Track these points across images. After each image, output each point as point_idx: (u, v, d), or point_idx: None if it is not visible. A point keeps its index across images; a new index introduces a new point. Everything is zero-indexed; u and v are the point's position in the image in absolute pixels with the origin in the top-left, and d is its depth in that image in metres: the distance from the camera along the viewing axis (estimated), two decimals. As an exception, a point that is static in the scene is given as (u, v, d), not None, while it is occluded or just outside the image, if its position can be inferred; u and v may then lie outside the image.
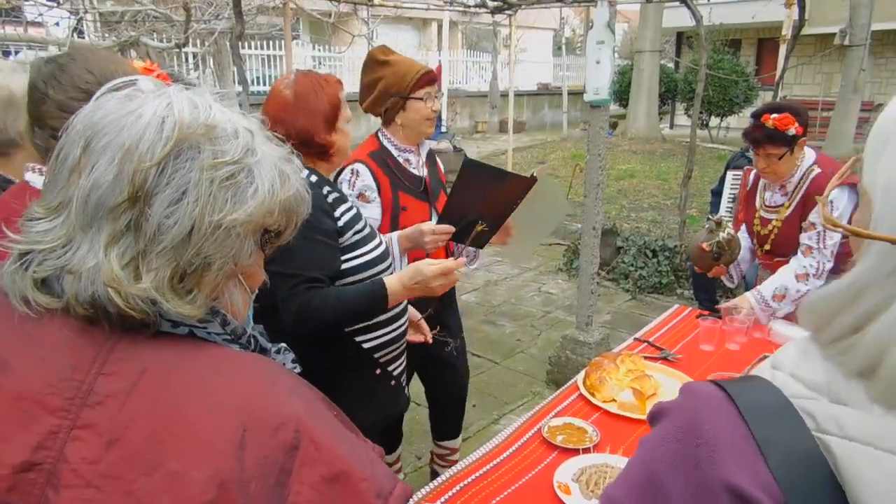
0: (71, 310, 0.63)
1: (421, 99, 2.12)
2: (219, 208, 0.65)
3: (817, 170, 2.34)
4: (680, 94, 13.37)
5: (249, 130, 0.71)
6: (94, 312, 0.63)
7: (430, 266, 1.63)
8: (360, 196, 2.09)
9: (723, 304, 2.42)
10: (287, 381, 0.70)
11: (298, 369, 0.79)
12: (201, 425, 0.61)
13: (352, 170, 2.09)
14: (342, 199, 1.70)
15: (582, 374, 1.99)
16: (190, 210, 0.63)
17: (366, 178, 2.09)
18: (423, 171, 2.23)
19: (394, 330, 1.79)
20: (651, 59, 12.20)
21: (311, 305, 1.56)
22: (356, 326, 1.70)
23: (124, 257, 0.63)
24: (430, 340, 2.04)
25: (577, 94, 15.63)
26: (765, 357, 0.63)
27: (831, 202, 2.23)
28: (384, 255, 1.76)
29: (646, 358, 2.10)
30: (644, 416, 1.77)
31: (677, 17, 12.36)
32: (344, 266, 1.66)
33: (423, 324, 2.04)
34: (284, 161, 0.73)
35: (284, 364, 0.78)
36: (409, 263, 1.83)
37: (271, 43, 12.50)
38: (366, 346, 1.74)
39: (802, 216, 2.37)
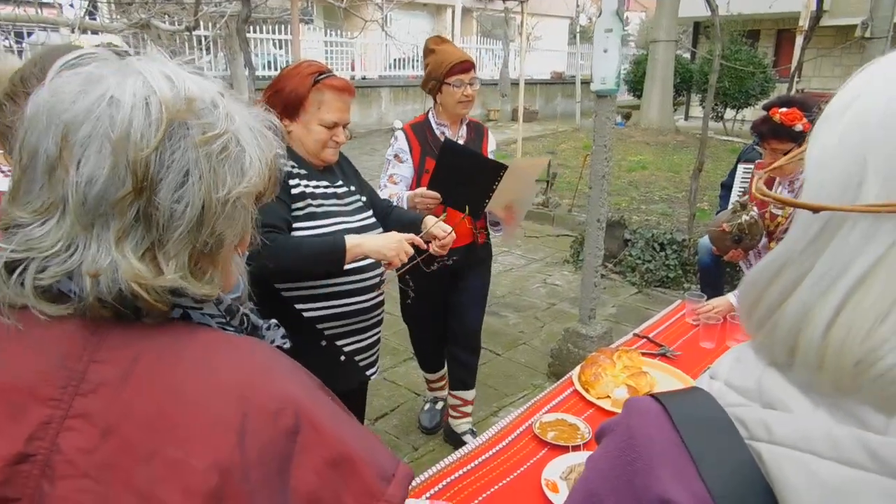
0: (88, 312, 0.61)
1: (453, 85, 2.44)
2: (222, 183, 0.64)
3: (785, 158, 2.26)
4: (695, 85, 13.17)
5: (220, 94, 0.69)
6: (119, 310, 0.62)
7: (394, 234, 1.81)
8: (396, 157, 2.57)
9: (700, 304, 2.31)
10: (284, 365, 0.69)
11: (288, 345, 0.78)
12: (200, 412, 0.60)
13: (395, 136, 2.61)
14: (308, 176, 1.79)
15: (577, 369, 1.96)
16: (197, 190, 0.62)
17: (401, 143, 2.56)
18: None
19: (347, 305, 1.81)
20: (666, 49, 12.01)
21: (269, 248, 1.55)
22: (296, 293, 1.77)
23: (138, 249, 0.61)
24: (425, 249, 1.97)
25: (590, 83, 15.51)
26: (709, 367, 0.62)
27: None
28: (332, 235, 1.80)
29: (644, 354, 2.07)
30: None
31: (695, 7, 12.14)
32: (297, 234, 1.74)
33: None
34: (254, 118, 0.72)
35: (274, 340, 0.77)
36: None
37: (284, 27, 12.46)
38: (307, 314, 1.78)
39: None
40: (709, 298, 4.02)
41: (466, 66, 2.45)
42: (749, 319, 0.54)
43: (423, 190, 2.35)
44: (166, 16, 7.88)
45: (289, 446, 0.61)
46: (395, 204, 2.22)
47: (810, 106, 2.22)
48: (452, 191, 2.32)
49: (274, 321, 0.80)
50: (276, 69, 12.09)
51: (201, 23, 7.68)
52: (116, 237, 0.61)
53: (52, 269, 0.61)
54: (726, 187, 4.19)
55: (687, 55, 14.62)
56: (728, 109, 12.33)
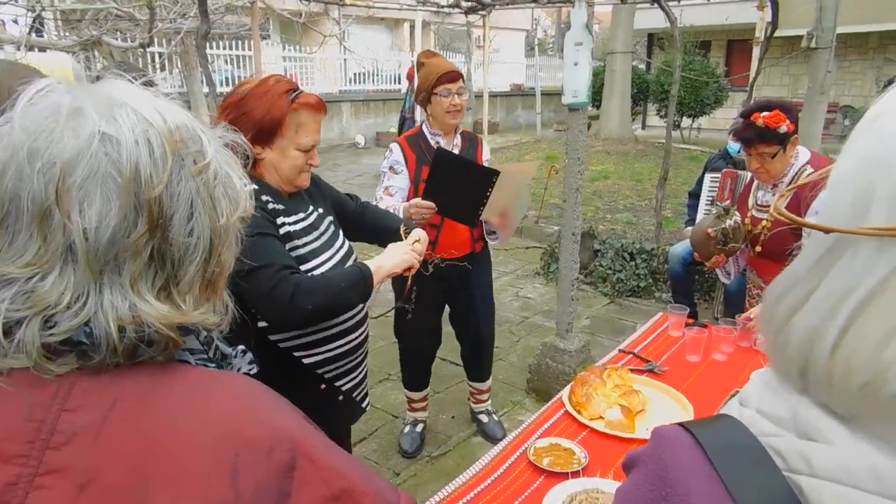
0: (105, 361, 0.57)
1: (440, 94, 2.51)
2: (222, 211, 0.64)
3: (810, 169, 2.28)
4: (652, 95, 13.46)
5: (193, 120, 0.66)
6: (136, 355, 0.59)
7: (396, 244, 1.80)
8: (391, 168, 2.60)
9: (741, 316, 2.28)
10: (270, 398, 0.66)
11: (255, 370, 0.76)
12: (187, 454, 0.56)
13: (390, 148, 2.66)
14: (286, 211, 1.64)
15: (567, 389, 1.91)
16: (205, 221, 0.62)
17: (396, 155, 2.61)
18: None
19: (343, 345, 1.75)
20: (623, 61, 12.25)
21: (303, 287, 1.52)
22: (293, 343, 1.67)
23: (154, 289, 0.60)
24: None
25: (549, 94, 15.70)
26: (736, 393, 0.61)
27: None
28: (338, 265, 1.72)
29: (632, 371, 2.03)
30: (633, 435, 1.71)
31: (648, 19, 12.46)
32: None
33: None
34: (220, 143, 0.69)
35: (240, 369, 0.75)
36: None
37: (241, 43, 12.25)
38: (306, 361, 1.70)
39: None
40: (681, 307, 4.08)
41: (453, 76, 2.52)
42: (764, 335, 0.54)
43: (417, 200, 2.37)
44: (118, 32, 7.65)
45: (286, 483, 0.58)
46: (364, 202, 2.12)
47: (790, 108, 2.23)
48: (447, 199, 2.35)
49: (241, 347, 0.78)
50: (233, 86, 11.88)
51: (156, 39, 7.49)
52: (132, 280, 0.58)
53: (65, 323, 0.56)
54: (694, 196, 4.25)
55: (643, 66, 14.94)
56: (684, 118, 12.63)
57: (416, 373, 3.01)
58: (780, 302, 0.51)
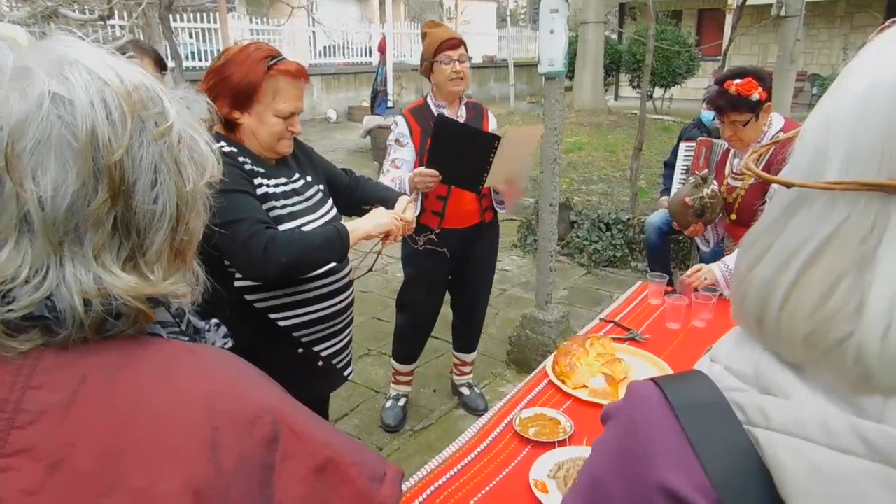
0: (72, 337, 0.55)
1: (442, 62, 2.51)
2: (189, 176, 0.61)
3: (783, 136, 2.29)
4: (624, 65, 13.46)
5: (152, 80, 0.62)
6: (105, 329, 0.56)
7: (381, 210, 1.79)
8: (396, 141, 2.62)
9: (683, 276, 2.31)
10: (248, 371, 0.64)
11: (230, 344, 0.75)
12: (164, 431, 0.54)
13: (395, 121, 2.67)
14: (266, 174, 1.66)
15: (550, 359, 1.92)
16: (170, 187, 0.59)
17: (401, 128, 2.62)
18: None
19: (321, 310, 1.74)
20: (596, 31, 12.20)
21: (278, 241, 1.52)
22: (269, 304, 1.67)
23: (119, 260, 0.57)
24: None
25: (522, 66, 15.58)
26: (710, 349, 0.62)
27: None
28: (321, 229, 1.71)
29: (614, 339, 2.05)
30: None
31: (620, -12, 12.39)
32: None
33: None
34: (182, 104, 0.65)
35: (215, 343, 0.73)
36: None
37: (206, 16, 11.88)
38: (282, 324, 1.69)
39: (766, 184, 2.34)
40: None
41: (454, 43, 2.53)
42: (731, 288, 0.56)
43: (421, 169, 2.37)
44: (76, 4, 7.33)
45: (269, 456, 0.56)
46: (372, 180, 2.13)
47: (763, 76, 2.24)
48: (450, 166, 2.35)
49: (215, 321, 0.75)
50: (200, 59, 11.53)
51: (116, 11, 7.21)
52: (95, 251, 0.55)
53: (25, 298, 0.53)
54: (669, 166, 4.27)
55: (614, 36, 14.90)
56: (657, 88, 12.67)
57: (412, 346, 3.01)
58: (744, 255, 0.52)
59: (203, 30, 12.05)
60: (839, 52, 13.92)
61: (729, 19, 4.52)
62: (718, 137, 3.67)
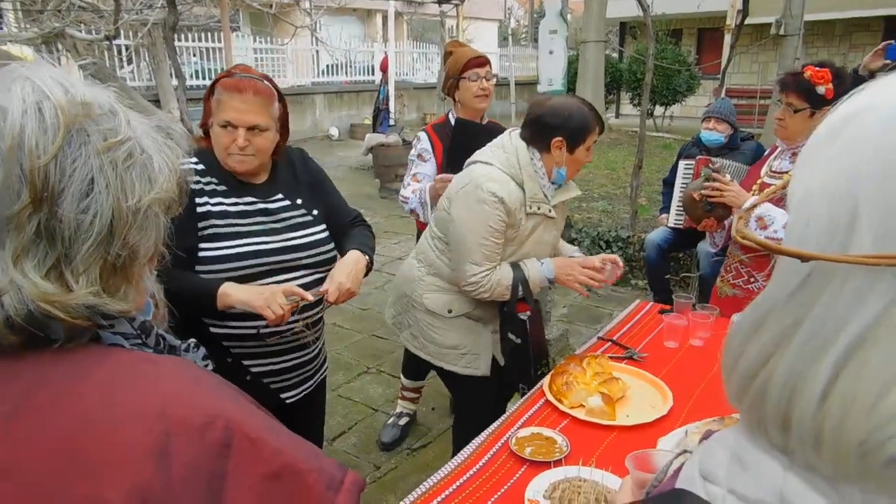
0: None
1: (469, 78, 2.57)
2: (131, 191, 0.61)
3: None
4: (625, 83, 13.54)
5: (117, 102, 0.64)
6: (31, 334, 0.56)
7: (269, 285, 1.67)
8: (419, 156, 2.70)
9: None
10: (209, 379, 0.64)
11: (211, 366, 0.74)
12: (113, 438, 0.54)
13: (417, 136, 2.77)
14: (216, 192, 1.68)
15: (547, 378, 1.91)
16: (105, 199, 0.59)
17: (424, 143, 2.70)
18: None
19: (251, 328, 1.70)
20: (596, 49, 12.27)
21: (169, 270, 1.50)
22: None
23: (42, 267, 0.56)
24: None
25: (523, 84, 15.71)
26: (685, 452, 0.53)
27: (767, 216, 2.16)
28: (242, 256, 1.67)
29: (611, 358, 2.04)
30: (614, 422, 1.72)
31: (621, 8, 12.53)
32: (201, 254, 1.64)
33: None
34: (154, 127, 0.67)
35: (196, 362, 0.73)
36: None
37: (211, 35, 12.02)
38: (213, 329, 1.70)
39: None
40: (656, 294, 4.12)
41: (482, 60, 2.61)
42: (730, 383, 0.45)
43: (442, 175, 2.43)
44: (82, 24, 7.44)
45: (220, 463, 0.56)
46: (360, 222, 1.97)
47: (843, 77, 2.14)
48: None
49: (193, 341, 0.76)
50: (205, 78, 11.65)
51: (122, 32, 7.31)
52: (14, 255, 0.55)
53: None
54: (668, 184, 4.28)
55: (615, 55, 15.02)
56: (657, 106, 12.74)
57: (421, 360, 2.96)
58: (752, 340, 0.43)
59: (208, 49, 12.17)
60: (839, 71, 13.99)
61: (728, 38, 4.57)
62: (717, 156, 3.69)
